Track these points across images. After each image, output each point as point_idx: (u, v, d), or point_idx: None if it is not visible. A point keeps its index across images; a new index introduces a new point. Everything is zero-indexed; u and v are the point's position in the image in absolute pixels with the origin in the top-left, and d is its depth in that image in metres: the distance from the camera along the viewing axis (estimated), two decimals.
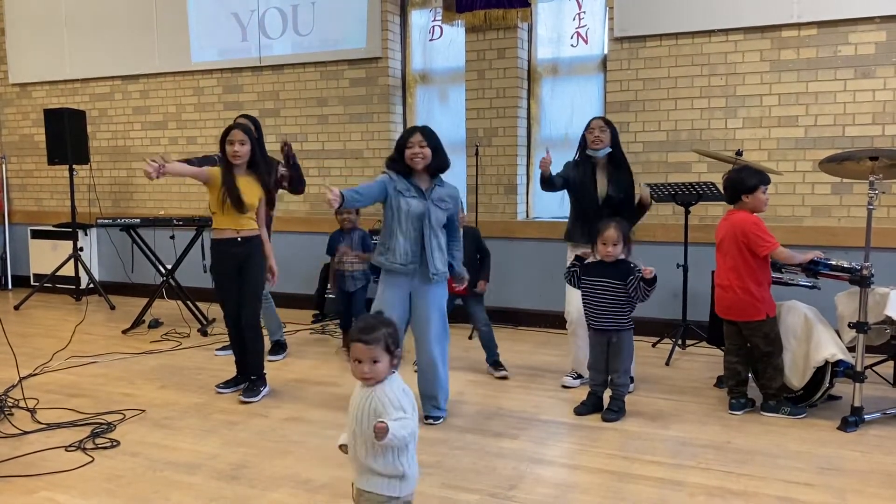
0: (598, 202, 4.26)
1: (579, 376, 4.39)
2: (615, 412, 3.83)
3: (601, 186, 4.27)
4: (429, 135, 3.73)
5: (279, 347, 5.16)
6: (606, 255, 3.84)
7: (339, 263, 5.23)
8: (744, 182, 3.82)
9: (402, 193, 3.70)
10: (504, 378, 4.58)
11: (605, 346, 3.88)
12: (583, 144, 4.33)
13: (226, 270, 4.23)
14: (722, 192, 4.09)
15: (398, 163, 3.74)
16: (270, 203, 4.70)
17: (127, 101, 7.64)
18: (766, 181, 3.84)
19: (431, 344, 3.80)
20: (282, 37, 6.81)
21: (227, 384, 4.35)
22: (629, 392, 4.05)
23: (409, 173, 3.73)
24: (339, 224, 5.28)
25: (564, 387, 4.39)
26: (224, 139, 4.14)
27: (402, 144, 3.73)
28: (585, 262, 3.96)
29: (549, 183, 4.32)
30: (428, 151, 3.69)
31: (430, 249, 3.72)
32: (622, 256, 3.85)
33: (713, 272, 4.95)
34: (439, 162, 3.76)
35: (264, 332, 5.21)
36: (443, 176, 3.84)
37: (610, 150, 4.26)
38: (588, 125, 4.31)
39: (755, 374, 3.98)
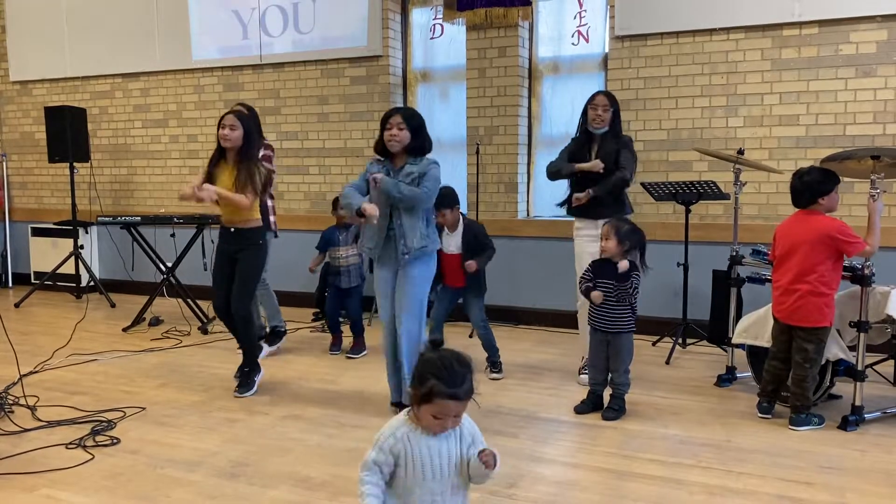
0: (589, 172, 4.28)
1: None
2: (615, 411, 3.83)
3: (591, 158, 4.30)
4: (409, 116, 3.68)
5: (275, 336, 5.15)
6: (603, 250, 3.88)
7: (334, 259, 5.25)
8: (823, 183, 3.65)
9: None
10: (496, 380, 4.56)
11: (605, 346, 3.89)
12: (584, 119, 4.35)
13: (219, 260, 4.29)
14: (792, 194, 3.80)
15: (379, 144, 3.74)
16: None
17: (128, 99, 7.64)
18: (839, 179, 3.73)
19: (405, 322, 3.73)
20: (283, 35, 6.81)
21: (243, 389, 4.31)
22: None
23: (387, 153, 3.73)
24: (335, 220, 5.29)
25: (581, 385, 4.31)
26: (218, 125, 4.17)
27: (382, 125, 3.71)
28: (594, 262, 3.97)
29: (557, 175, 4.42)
30: (406, 134, 3.63)
31: (396, 228, 3.68)
32: (627, 258, 3.83)
33: (714, 271, 4.99)
34: (418, 143, 3.69)
35: (264, 319, 5.22)
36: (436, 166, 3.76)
37: (607, 129, 4.28)
38: (592, 99, 4.31)
39: (774, 382, 3.86)
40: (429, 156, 3.77)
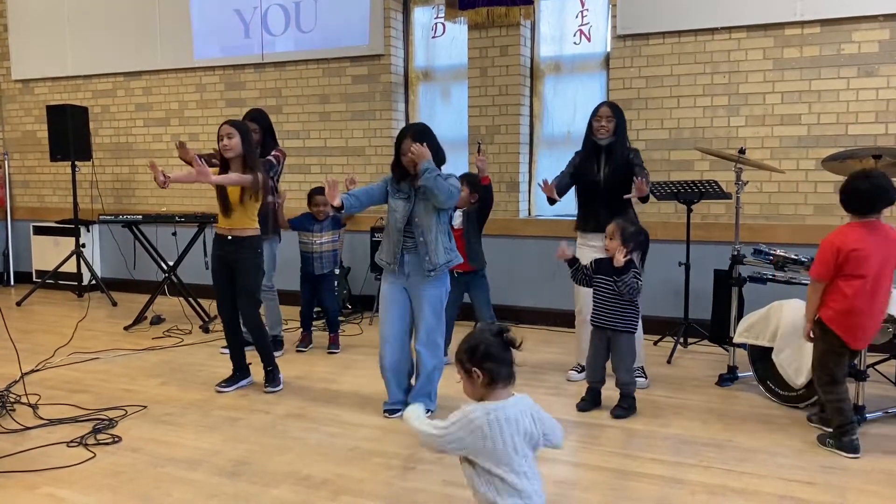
0: (598, 186, 4.30)
1: (584, 369, 4.39)
2: (625, 409, 3.84)
3: (601, 171, 4.31)
4: (418, 134, 3.67)
5: (276, 345, 5.15)
6: (607, 248, 3.88)
7: (305, 245, 5.18)
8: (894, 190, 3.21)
9: (394, 194, 3.75)
10: None
11: (605, 344, 3.90)
12: (589, 131, 4.35)
13: (217, 267, 4.28)
14: (845, 198, 3.30)
15: (396, 167, 3.76)
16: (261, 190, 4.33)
17: (129, 98, 7.64)
18: None
19: (419, 343, 3.81)
20: (284, 33, 6.81)
21: (228, 382, 4.34)
22: (646, 387, 4.21)
23: (406, 175, 3.74)
24: (312, 212, 5.21)
25: (569, 381, 4.41)
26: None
27: (397, 148, 3.74)
28: (597, 260, 3.97)
29: (559, 193, 4.36)
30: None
31: (422, 246, 3.69)
32: (627, 257, 3.79)
33: (715, 271, 4.98)
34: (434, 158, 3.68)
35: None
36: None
37: (613, 139, 4.27)
38: (596, 111, 4.31)
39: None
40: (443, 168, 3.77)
